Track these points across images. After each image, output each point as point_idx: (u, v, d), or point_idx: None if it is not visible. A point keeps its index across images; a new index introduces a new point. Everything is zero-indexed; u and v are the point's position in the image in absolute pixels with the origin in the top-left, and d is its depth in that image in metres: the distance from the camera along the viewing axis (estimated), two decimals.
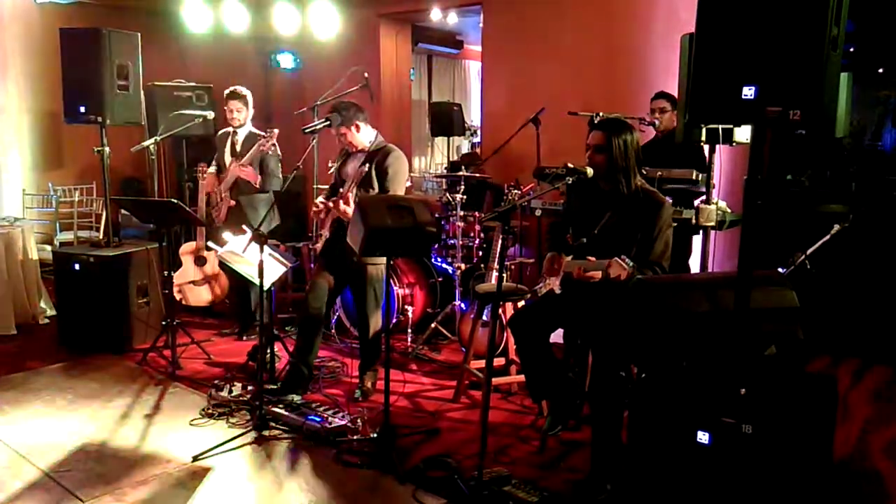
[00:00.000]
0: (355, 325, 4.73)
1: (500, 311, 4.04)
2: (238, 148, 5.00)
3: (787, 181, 5.03)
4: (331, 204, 3.90)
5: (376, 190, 3.90)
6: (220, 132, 5.15)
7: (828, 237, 3.61)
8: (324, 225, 4.09)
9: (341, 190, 3.98)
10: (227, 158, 5.02)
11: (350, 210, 3.66)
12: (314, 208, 4.03)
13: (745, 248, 2.37)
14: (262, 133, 4.74)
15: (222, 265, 5.02)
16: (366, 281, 3.96)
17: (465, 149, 10.66)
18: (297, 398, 3.85)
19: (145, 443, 3.49)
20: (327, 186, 4.29)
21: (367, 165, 3.90)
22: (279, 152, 5.01)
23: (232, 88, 4.99)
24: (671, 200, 3.90)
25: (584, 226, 3.21)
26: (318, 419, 3.59)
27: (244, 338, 5.09)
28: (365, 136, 4.00)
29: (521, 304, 4.10)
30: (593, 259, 2.98)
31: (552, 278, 3.25)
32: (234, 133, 5.05)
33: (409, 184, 4.15)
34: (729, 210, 3.93)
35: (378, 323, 4.05)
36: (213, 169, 5.10)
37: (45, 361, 4.64)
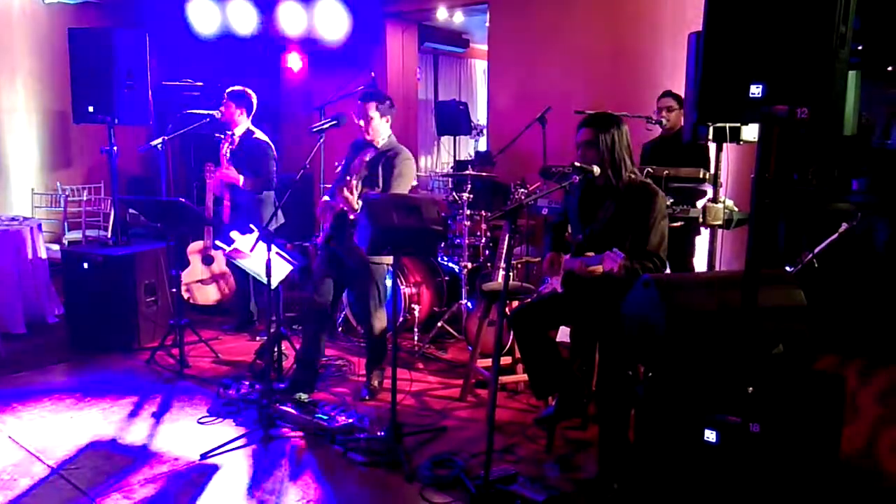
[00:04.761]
0: (361, 324, 4.74)
1: (507, 309, 4.04)
2: (234, 148, 5.02)
3: (795, 180, 4.99)
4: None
5: (381, 187, 3.91)
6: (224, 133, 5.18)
7: (836, 236, 3.59)
8: (325, 219, 4.10)
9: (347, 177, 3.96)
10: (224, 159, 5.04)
11: (352, 197, 3.70)
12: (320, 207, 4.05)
13: (753, 246, 2.36)
14: (256, 130, 4.84)
15: (230, 263, 5.05)
16: (369, 279, 3.97)
17: (472, 148, 10.67)
18: (304, 397, 3.87)
19: (154, 441, 3.51)
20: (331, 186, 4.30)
21: (376, 161, 3.92)
22: (275, 153, 5.02)
23: (230, 89, 5.00)
24: (676, 199, 3.91)
25: (581, 222, 3.22)
26: (325, 417, 3.60)
27: (257, 338, 5.10)
28: (385, 131, 4.05)
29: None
30: (591, 254, 2.98)
31: (554, 278, 3.26)
32: (232, 133, 5.06)
33: (415, 183, 4.17)
34: (736, 209, 3.92)
35: (384, 321, 4.06)
36: None
37: (54, 360, 4.66)
